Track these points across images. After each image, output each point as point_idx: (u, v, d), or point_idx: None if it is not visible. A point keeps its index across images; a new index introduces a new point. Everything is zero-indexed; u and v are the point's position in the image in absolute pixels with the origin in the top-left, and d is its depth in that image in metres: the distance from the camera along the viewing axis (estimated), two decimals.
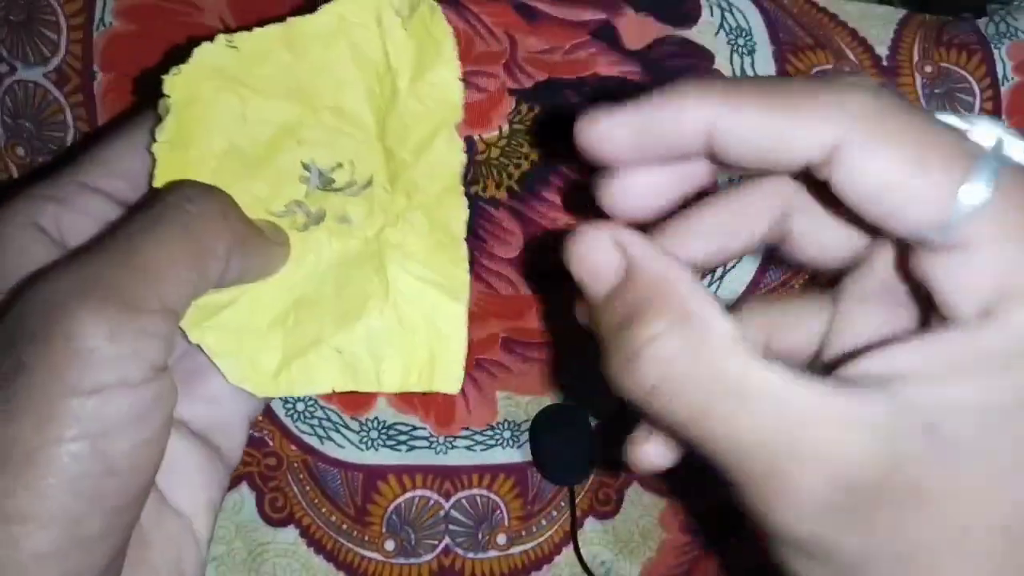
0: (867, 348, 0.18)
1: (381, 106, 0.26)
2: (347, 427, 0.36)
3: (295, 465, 0.37)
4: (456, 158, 0.26)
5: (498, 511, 0.37)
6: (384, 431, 0.36)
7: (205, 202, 0.23)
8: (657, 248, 0.20)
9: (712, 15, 0.35)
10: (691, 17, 0.35)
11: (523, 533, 0.38)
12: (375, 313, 0.27)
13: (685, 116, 0.19)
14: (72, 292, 0.20)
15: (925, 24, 0.37)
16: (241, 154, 0.25)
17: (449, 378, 0.26)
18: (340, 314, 0.26)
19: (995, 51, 0.37)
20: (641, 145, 0.20)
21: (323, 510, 0.37)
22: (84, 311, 0.20)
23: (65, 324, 0.20)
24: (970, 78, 0.37)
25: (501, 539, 0.38)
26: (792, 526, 0.18)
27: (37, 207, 0.23)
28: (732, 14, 0.35)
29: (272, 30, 0.25)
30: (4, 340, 0.20)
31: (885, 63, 0.36)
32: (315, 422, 0.37)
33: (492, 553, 0.38)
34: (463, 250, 0.27)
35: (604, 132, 0.20)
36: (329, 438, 0.37)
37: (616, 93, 0.34)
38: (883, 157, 0.17)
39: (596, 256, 0.20)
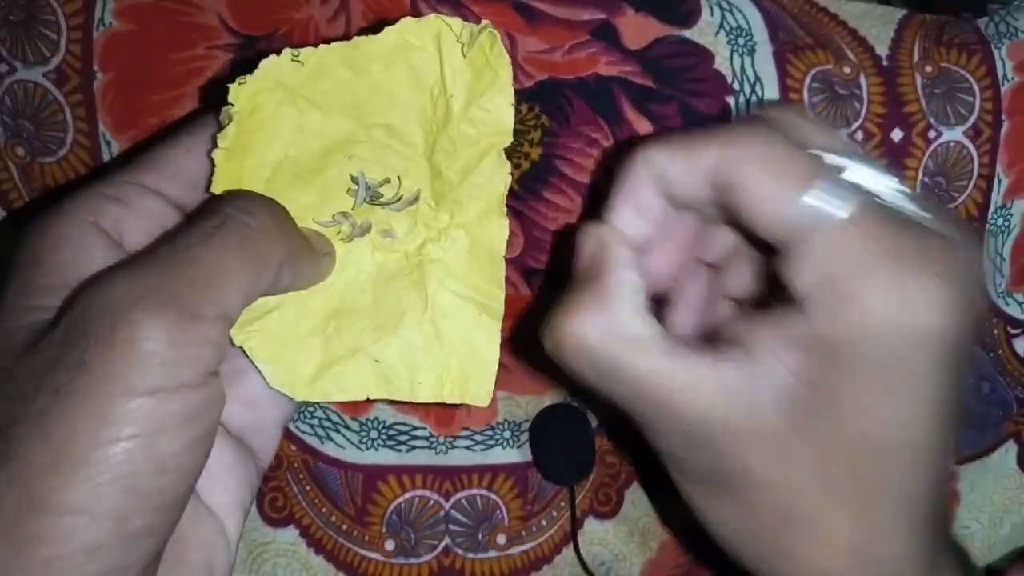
0: (741, 316, 0.24)
1: (432, 127, 0.27)
2: (347, 427, 0.36)
3: (295, 465, 0.37)
4: (501, 181, 0.27)
5: (498, 511, 0.37)
6: (384, 431, 0.36)
7: (263, 215, 0.24)
8: (622, 248, 0.25)
9: (712, 15, 0.35)
10: (691, 17, 0.35)
11: (523, 533, 0.38)
12: (412, 325, 0.28)
13: (700, 158, 0.25)
14: (135, 297, 0.21)
15: (925, 24, 0.37)
16: (295, 165, 0.26)
17: (480, 392, 0.27)
18: (378, 324, 0.27)
19: (995, 51, 0.37)
20: (668, 173, 0.25)
21: (323, 510, 0.37)
22: (146, 316, 0.21)
23: (127, 328, 0.21)
24: (970, 78, 0.37)
25: (501, 539, 0.38)
26: (662, 447, 0.25)
27: (99, 206, 0.24)
28: (732, 14, 0.35)
29: (336, 48, 0.26)
30: (66, 339, 0.21)
31: (885, 63, 0.36)
32: (315, 422, 0.37)
33: (492, 553, 0.38)
34: (502, 269, 0.28)
35: (652, 157, 0.26)
36: (329, 438, 0.37)
37: (616, 93, 0.35)
38: (748, 171, 0.23)
39: (584, 241, 0.26)
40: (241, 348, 0.26)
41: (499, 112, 0.27)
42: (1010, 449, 0.41)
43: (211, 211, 0.23)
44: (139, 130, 0.34)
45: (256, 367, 0.26)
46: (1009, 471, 0.41)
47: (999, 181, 0.38)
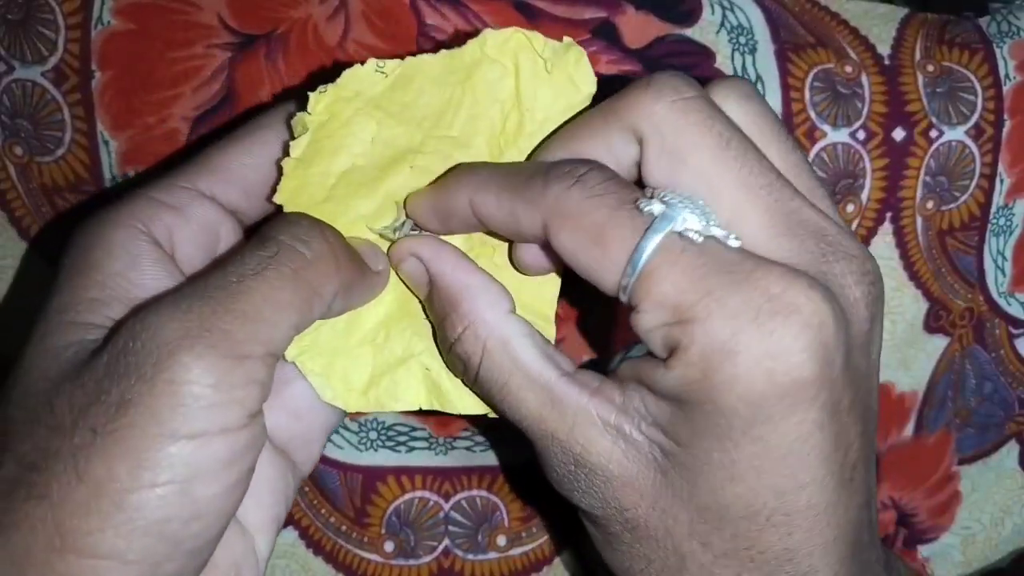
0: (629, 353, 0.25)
1: (500, 141, 0.27)
2: (346, 428, 0.36)
3: None
4: None
5: (498, 512, 0.37)
6: (383, 432, 0.36)
7: (318, 244, 0.23)
8: (454, 261, 0.25)
9: (713, 13, 0.35)
10: (692, 15, 0.35)
11: (523, 534, 0.38)
12: None
13: (453, 198, 0.25)
14: (180, 334, 0.20)
15: (927, 23, 0.37)
16: (360, 174, 0.26)
17: None
18: (426, 332, 0.27)
19: (997, 50, 0.37)
20: (438, 216, 0.26)
21: (322, 511, 0.37)
22: (191, 357, 0.20)
23: (172, 369, 0.20)
24: (972, 77, 0.37)
25: (501, 540, 0.37)
26: (550, 479, 0.25)
27: (152, 214, 0.23)
28: (733, 12, 0.35)
29: (421, 60, 0.25)
30: (108, 372, 0.20)
31: (887, 62, 0.36)
32: None
33: (492, 554, 0.37)
34: (555, 288, 0.28)
35: (415, 207, 0.26)
36: (328, 439, 0.36)
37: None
38: (571, 239, 0.22)
39: (407, 269, 0.26)
40: (293, 363, 0.26)
41: None
42: (1012, 449, 0.41)
43: (264, 238, 0.23)
44: (137, 129, 0.33)
45: (307, 381, 0.26)
46: (1011, 471, 0.41)
47: (1001, 181, 0.38)
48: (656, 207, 0.22)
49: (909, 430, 0.39)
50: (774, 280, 0.20)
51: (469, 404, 0.27)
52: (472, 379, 0.25)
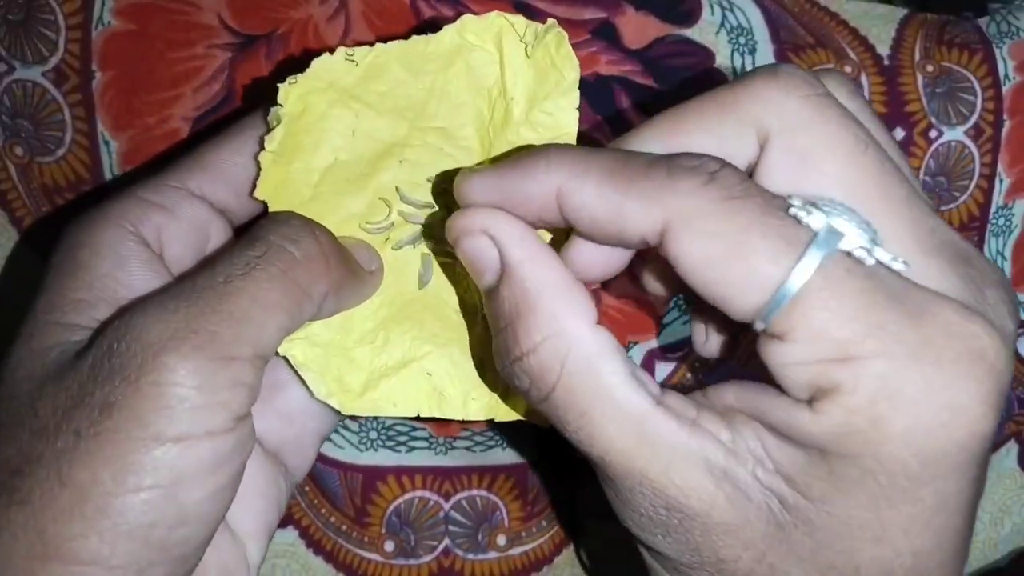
0: (736, 380, 0.20)
1: (489, 130, 0.26)
2: (346, 428, 0.36)
3: None
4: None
5: (498, 512, 0.37)
6: (383, 432, 0.36)
7: (308, 243, 0.22)
8: (538, 249, 0.21)
9: (713, 14, 0.35)
10: (692, 16, 0.35)
11: (523, 534, 0.38)
12: (464, 338, 0.26)
13: (535, 183, 0.20)
14: (166, 336, 0.20)
15: (926, 23, 0.37)
16: (344, 169, 0.25)
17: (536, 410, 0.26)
18: (429, 335, 0.26)
19: (996, 50, 0.37)
20: (504, 205, 0.21)
21: (322, 511, 0.37)
22: (177, 359, 0.20)
23: (158, 370, 0.20)
24: (972, 77, 0.37)
25: (501, 540, 0.37)
26: (624, 518, 0.21)
27: (141, 214, 0.23)
28: (733, 13, 0.35)
29: (392, 47, 0.24)
30: (92, 375, 0.20)
31: (886, 62, 0.36)
32: None
33: (492, 554, 0.37)
34: None
35: (472, 190, 0.22)
36: (328, 439, 0.37)
37: (617, 92, 0.35)
38: (701, 248, 0.18)
39: (473, 247, 0.22)
40: (284, 358, 0.25)
41: (562, 115, 0.25)
42: (1011, 449, 0.41)
43: (253, 238, 0.22)
44: (138, 129, 0.33)
45: (299, 378, 0.25)
46: (1010, 471, 0.41)
47: (1000, 181, 0.38)
48: (816, 218, 0.18)
49: None
50: (952, 316, 0.18)
51: (472, 411, 0.26)
52: (541, 399, 0.21)
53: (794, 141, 0.19)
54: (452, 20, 0.25)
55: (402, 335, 0.26)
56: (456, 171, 0.25)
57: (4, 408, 0.21)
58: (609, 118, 0.34)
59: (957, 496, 0.18)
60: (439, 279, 0.26)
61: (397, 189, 0.26)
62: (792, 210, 0.18)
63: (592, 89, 0.34)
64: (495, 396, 0.26)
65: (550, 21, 0.25)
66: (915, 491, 0.18)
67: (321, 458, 0.37)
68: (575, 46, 0.34)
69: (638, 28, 0.34)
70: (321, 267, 0.22)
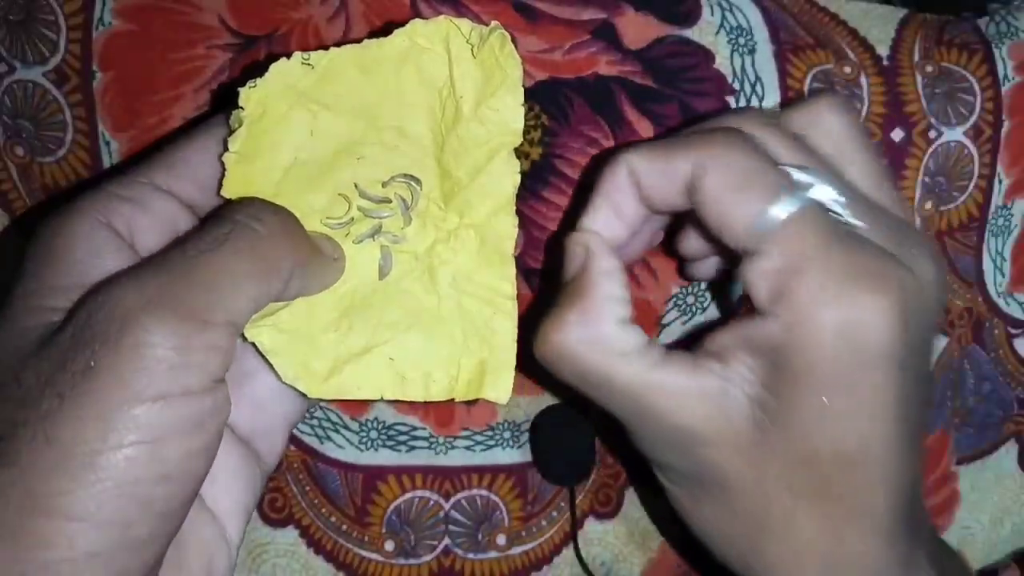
0: (720, 325, 0.26)
1: (441, 128, 0.27)
2: (347, 427, 0.36)
3: (295, 465, 0.37)
4: (511, 180, 0.27)
5: (498, 511, 0.37)
6: (384, 431, 0.36)
7: (273, 222, 0.24)
8: (607, 259, 0.26)
9: (712, 14, 0.35)
10: (691, 16, 0.35)
11: (523, 534, 0.38)
12: (425, 325, 0.27)
13: (620, 178, 0.27)
14: (143, 302, 0.21)
15: (926, 23, 0.37)
16: (305, 167, 0.26)
17: (499, 388, 0.27)
18: (391, 323, 0.27)
19: (996, 51, 0.37)
20: (662, 181, 0.27)
21: (323, 510, 0.37)
22: (154, 321, 0.21)
23: (135, 333, 0.21)
24: (971, 77, 0.37)
25: (501, 540, 0.38)
26: (638, 445, 0.27)
27: (112, 207, 0.24)
28: (732, 13, 0.35)
29: (347, 51, 0.26)
30: (73, 342, 0.21)
31: (886, 62, 0.36)
32: (315, 422, 0.37)
33: (492, 554, 0.37)
34: (512, 268, 0.28)
35: (642, 165, 0.27)
36: (329, 438, 0.37)
37: (617, 93, 0.35)
38: (718, 181, 0.25)
39: (572, 250, 0.27)
40: (253, 345, 0.26)
41: (509, 112, 0.27)
42: (1011, 449, 0.41)
43: (221, 218, 0.23)
44: (138, 130, 0.34)
45: (268, 365, 0.26)
46: (1009, 471, 0.41)
47: (1000, 181, 0.38)
48: (804, 176, 0.25)
49: None
50: (872, 255, 0.24)
51: (433, 392, 0.27)
52: (559, 358, 0.26)
53: (829, 137, 0.27)
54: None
55: (364, 323, 0.27)
56: (413, 166, 0.27)
57: None
58: (609, 118, 0.34)
59: (883, 393, 0.24)
60: (398, 269, 0.28)
61: (356, 185, 0.27)
62: (788, 168, 0.25)
63: (592, 89, 0.34)
64: (456, 378, 0.27)
65: (493, 23, 0.26)
66: (846, 380, 0.23)
67: (322, 458, 0.37)
68: (575, 46, 0.34)
69: (638, 28, 0.34)
70: (286, 243, 0.24)
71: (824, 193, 0.25)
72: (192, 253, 0.22)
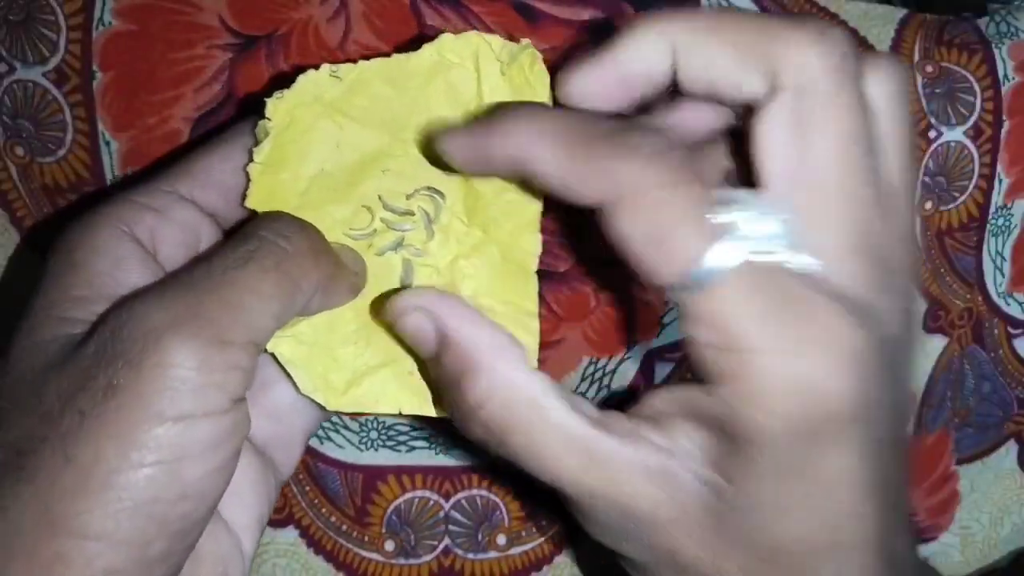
0: (655, 388, 0.23)
1: None
2: (347, 428, 0.36)
3: None
4: (537, 198, 0.27)
5: (498, 511, 0.37)
6: (384, 431, 0.36)
7: (299, 239, 0.24)
8: (469, 315, 0.24)
9: None
10: None
11: (523, 534, 0.38)
12: None
13: (499, 144, 0.23)
14: (167, 322, 0.21)
15: (926, 23, 0.37)
16: (330, 179, 0.26)
17: None
18: None
19: (996, 51, 0.37)
20: (476, 163, 0.24)
21: (323, 511, 0.37)
22: (177, 341, 0.21)
23: (158, 352, 0.20)
24: (971, 77, 0.37)
25: (501, 540, 0.38)
26: (591, 532, 0.24)
27: (135, 216, 0.24)
28: None
29: (375, 64, 0.26)
30: (96, 360, 0.21)
31: None
32: None
33: (492, 554, 0.38)
34: (534, 285, 0.27)
35: (449, 149, 0.24)
36: (329, 439, 0.37)
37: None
38: (629, 227, 0.21)
39: (412, 323, 0.25)
40: (272, 356, 0.26)
41: None
42: (1010, 449, 0.41)
43: (247, 234, 0.23)
44: (138, 130, 0.34)
45: (287, 376, 0.26)
46: (1009, 471, 0.41)
47: (1000, 181, 0.38)
48: (734, 216, 0.20)
49: (908, 430, 0.39)
50: (832, 318, 0.20)
51: None
52: (496, 444, 0.23)
53: (800, 105, 0.21)
54: (453, 21, 0.26)
55: (384, 337, 0.27)
56: (438, 180, 0.27)
57: (8, 397, 0.22)
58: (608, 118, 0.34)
59: (849, 472, 0.21)
60: (419, 282, 0.27)
61: (380, 197, 0.27)
62: (718, 207, 0.20)
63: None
64: None
65: (524, 41, 0.26)
66: (800, 466, 0.20)
67: (322, 458, 0.37)
68: (575, 46, 0.34)
69: None
70: (311, 261, 0.24)
71: (763, 243, 0.20)
72: (218, 271, 0.22)
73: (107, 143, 0.34)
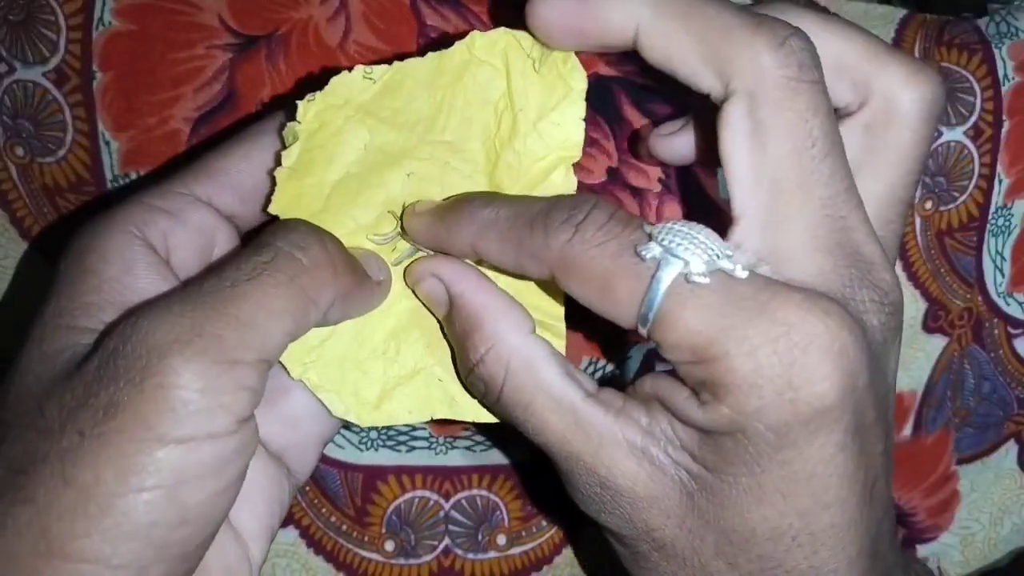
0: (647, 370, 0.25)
1: (495, 143, 0.26)
2: (347, 427, 0.36)
3: None
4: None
5: (498, 511, 0.37)
6: (384, 431, 0.36)
7: (316, 251, 0.23)
8: (476, 281, 0.25)
9: None
10: None
11: (523, 534, 0.38)
12: None
13: (455, 236, 0.25)
14: (171, 338, 0.20)
15: (926, 24, 0.37)
16: (354, 181, 0.26)
17: None
18: (437, 342, 0.27)
19: (996, 51, 0.37)
20: (439, 247, 0.26)
21: (323, 511, 0.37)
22: (181, 361, 0.20)
23: (161, 373, 0.20)
24: (971, 77, 0.37)
25: (501, 540, 0.38)
26: (574, 499, 0.25)
27: (148, 219, 0.23)
28: None
29: (409, 64, 0.25)
30: (98, 376, 0.20)
31: None
32: None
33: (492, 554, 0.38)
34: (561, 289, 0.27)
35: (413, 230, 0.26)
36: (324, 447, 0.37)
37: (616, 92, 0.35)
38: (581, 289, 0.22)
39: (426, 288, 0.26)
40: (300, 380, 0.25)
41: (570, 126, 0.26)
42: (1010, 449, 0.41)
43: (261, 244, 0.22)
44: (138, 130, 0.34)
45: (311, 394, 0.25)
46: (1009, 471, 0.41)
47: (1000, 181, 0.38)
48: (656, 251, 0.21)
49: (908, 430, 0.39)
50: (791, 310, 0.20)
51: (484, 413, 0.26)
52: (494, 400, 0.24)
53: (755, 109, 0.22)
54: (453, 21, 0.26)
55: (412, 344, 0.27)
56: (463, 183, 0.26)
57: (12, 410, 0.21)
58: (609, 117, 0.34)
59: (827, 462, 0.21)
60: None
61: (404, 203, 0.26)
62: (639, 248, 0.22)
63: (592, 89, 0.34)
64: None
65: None
66: (778, 457, 0.21)
67: (322, 458, 0.37)
68: None
69: None
70: (328, 274, 0.23)
71: (692, 263, 0.21)
72: (227, 284, 0.21)
73: (107, 143, 0.34)
